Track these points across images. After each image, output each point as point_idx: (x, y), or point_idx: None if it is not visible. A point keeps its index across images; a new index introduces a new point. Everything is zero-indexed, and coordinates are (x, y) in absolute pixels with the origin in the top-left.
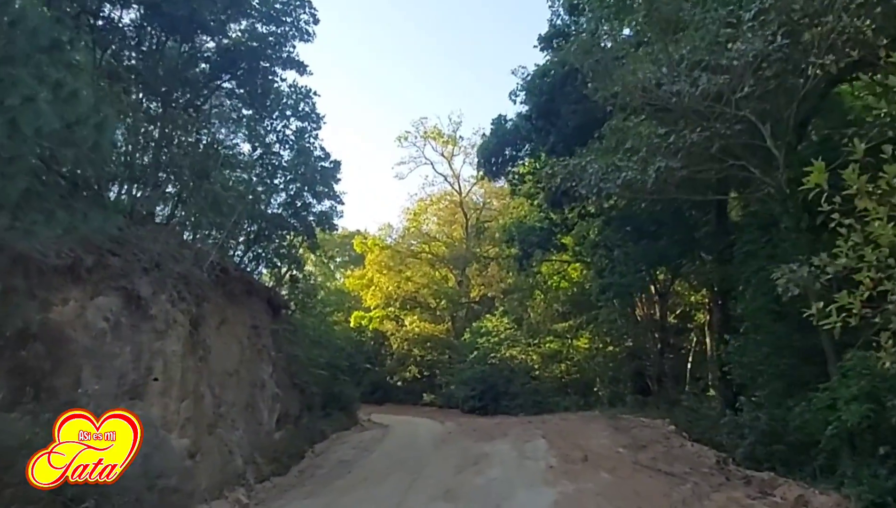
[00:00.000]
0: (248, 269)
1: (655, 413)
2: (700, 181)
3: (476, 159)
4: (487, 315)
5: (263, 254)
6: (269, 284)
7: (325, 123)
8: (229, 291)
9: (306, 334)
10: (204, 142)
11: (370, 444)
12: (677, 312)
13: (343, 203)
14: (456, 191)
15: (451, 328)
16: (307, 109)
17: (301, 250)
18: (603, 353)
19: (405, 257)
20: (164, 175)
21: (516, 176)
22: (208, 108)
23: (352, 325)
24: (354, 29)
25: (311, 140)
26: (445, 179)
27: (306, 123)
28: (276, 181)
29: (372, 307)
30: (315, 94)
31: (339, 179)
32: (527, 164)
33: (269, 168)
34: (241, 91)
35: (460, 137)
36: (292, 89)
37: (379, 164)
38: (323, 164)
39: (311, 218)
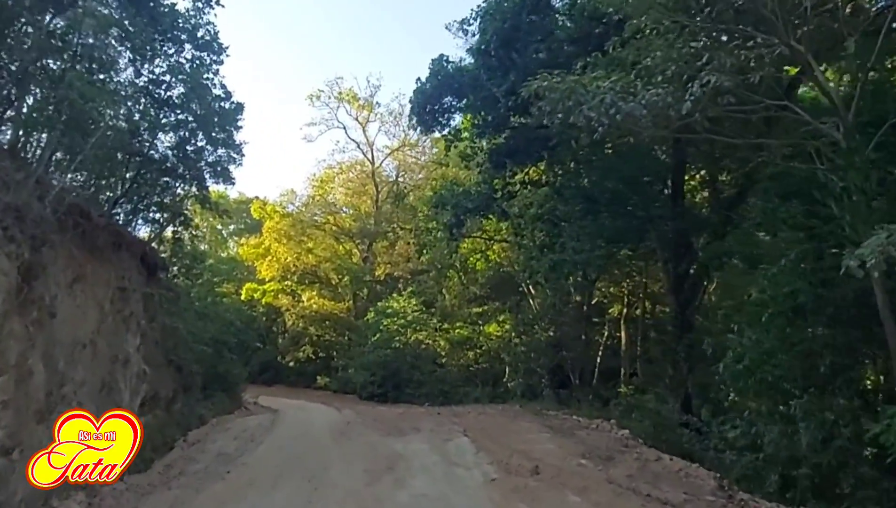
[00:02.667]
0: (122, 222)
1: (587, 412)
2: (733, 122)
3: (408, 107)
4: (394, 295)
5: (143, 206)
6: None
7: (227, 55)
8: (91, 241)
9: (190, 304)
10: (74, 49)
11: (257, 433)
12: (592, 303)
13: (243, 154)
14: (368, 160)
15: (353, 306)
16: (207, 36)
17: (189, 205)
18: (522, 342)
19: (307, 227)
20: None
21: (452, 132)
22: (81, 10)
23: (243, 298)
24: None
25: (210, 74)
26: (358, 147)
27: (205, 54)
28: (163, 119)
29: (266, 280)
30: (218, 3)
31: (241, 126)
32: (467, 119)
33: (156, 100)
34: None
35: (377, 102)
36: (191, 13)
37: (286, 126)
38: (222, 104)
39: (204, 165)
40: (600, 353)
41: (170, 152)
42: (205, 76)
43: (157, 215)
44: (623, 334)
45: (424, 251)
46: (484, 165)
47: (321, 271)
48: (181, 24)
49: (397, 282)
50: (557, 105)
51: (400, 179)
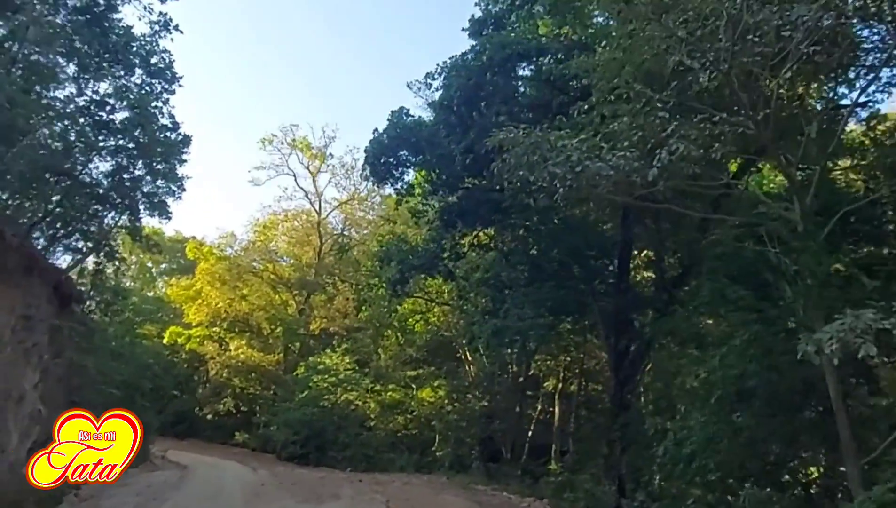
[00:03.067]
0: (40, 247)
1: (517, 488)
2: (683, 198)
3: (361, 161)
4: (328, 351)
5: (66, 232)
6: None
7: (181, 85)
8: None
9: (105, 341)
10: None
11: (161, 491)
12: (529, 375)
13: (184, 189)
14: (315, 211)
15: (283, 360)
16: (161, 63)
17: (119, 238)
18: (455, 410)
19: (244, 272)
20: None
21: (404, 187)
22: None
23: (165, 341)
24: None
25: (159, 103)
26: (306, 196)
27: (157, 81)
28: (101, 142)
29: (193, 324)
30: (177, 28)
31: (186, 160)
32: (421, 175)
33: (97, 123)
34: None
35: (330, 154)
36: (147, 38)
37: (233, 168)
38: (168, 134)
39: (140, 196)
40: (531, 427)
41: (104, 179)
42: (153, 104)
43: (81, 244)
44: (556, 409)
45: (364, 308)
46: (434, 223)
47: (253, 319)
48: (134, 48)
49: (332, 338)
50: (522, 158)
51: (346, 233)
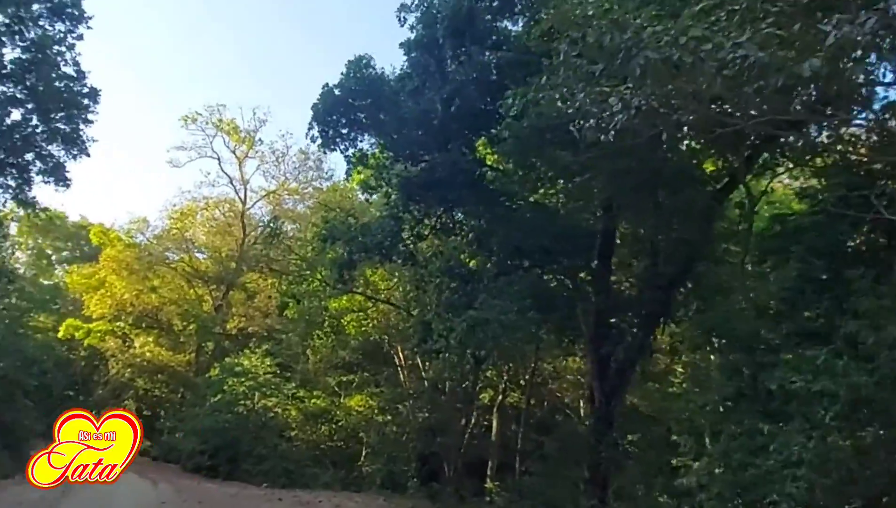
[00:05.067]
0: None
1: None
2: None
3: (293, 148)
4: (246, 351)
5: None
6: None
7: (90, 27)
8: None
9: None
10: None
11: None
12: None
13: (88, 153)
14: (240, 199)
15: (195, 360)
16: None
17: (6, 205)
18: (392, 422)
19: (156, 262)
20: None
21: (357, 154)
22: None
23: (61, 335)
24: None
25: (63, 48)
26: (231, 182)
27: (60, 20)
28: None
29: (94, 317)
30: None
31: (93, 121)
32: (377, 149)
33: None
34: None
35: (259, 139)
36: None
37: (150, 146)
38: (73, 85)
39: (34, 159)
40: (464, 443)
41: None
42: (54, 48)
43: None
44: (495, 423)
45: (290, 305)
46: (392, 197)
47: (163, 314)
48: None
49: (251, 339)
50: (605, 37)
51: (277, 218)
